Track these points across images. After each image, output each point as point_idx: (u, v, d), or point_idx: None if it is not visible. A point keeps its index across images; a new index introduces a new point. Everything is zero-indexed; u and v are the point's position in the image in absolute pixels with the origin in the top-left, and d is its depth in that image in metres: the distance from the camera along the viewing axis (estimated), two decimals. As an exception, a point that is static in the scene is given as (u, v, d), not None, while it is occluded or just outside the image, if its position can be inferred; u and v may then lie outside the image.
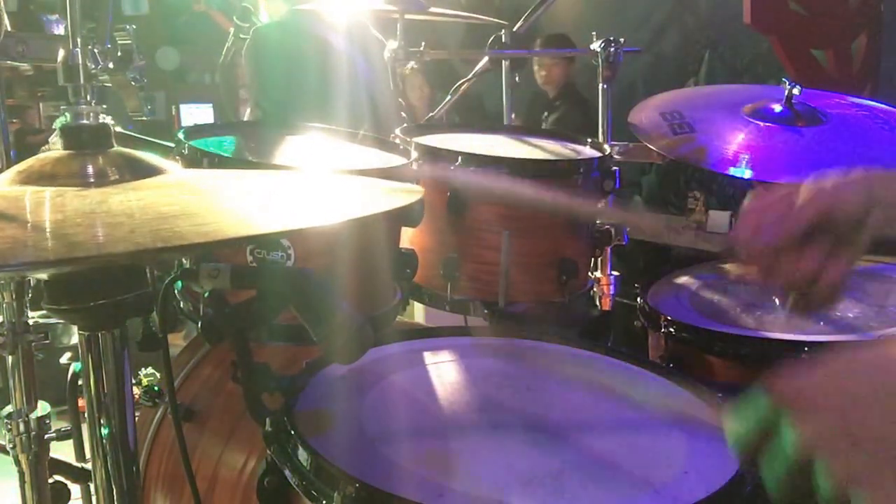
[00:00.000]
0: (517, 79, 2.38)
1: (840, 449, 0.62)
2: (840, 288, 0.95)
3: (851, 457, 0.62)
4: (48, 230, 0.69)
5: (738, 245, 0.97)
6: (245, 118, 2.57)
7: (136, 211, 0.74)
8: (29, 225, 0.70)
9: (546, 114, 4.32)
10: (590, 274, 1.76)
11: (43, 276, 0.81)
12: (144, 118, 1.31)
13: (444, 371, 1.16)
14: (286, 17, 2.62)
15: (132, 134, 1.66)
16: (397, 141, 1.55)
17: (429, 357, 1.20)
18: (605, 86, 2.01)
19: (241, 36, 2.59)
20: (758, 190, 1.00)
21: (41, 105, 5.40)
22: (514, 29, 2.27)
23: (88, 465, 1.32)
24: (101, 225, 0.71)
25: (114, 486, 0.89)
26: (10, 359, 1.47)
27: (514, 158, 1.58)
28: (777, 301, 0.99)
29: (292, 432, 0.91)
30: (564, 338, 1.30)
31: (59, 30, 4.76)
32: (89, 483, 1.70)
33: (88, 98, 0.85)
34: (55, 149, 0.86)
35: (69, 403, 1.73)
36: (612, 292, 1.91)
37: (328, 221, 0.78)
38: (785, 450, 0.64)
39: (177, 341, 2.26)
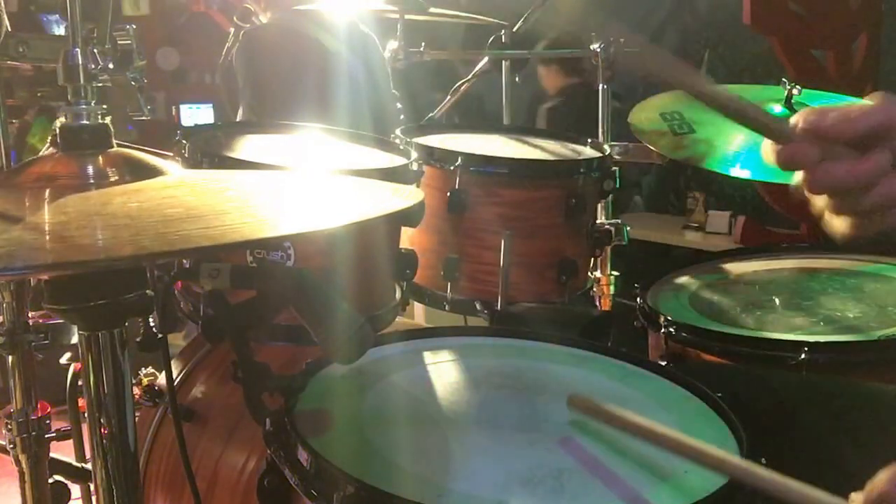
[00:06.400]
0: (517, 79, 2.38)
1: None
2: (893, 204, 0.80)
3: None
4: (50, 233, 0.69)
5: (791, 136, 0.80)
6: (238, 119, 2.54)
7: (139, 213, 0.74)
8: (31, 228, 0.70)
9: (541, 105, 4.21)
10: (590, 274, 1.76)
11: (44, 276, 0.81)
12: (145, 117, 1.31)
13: (444, 371, 1.16)
14: (281, 18, 2.60)
15: (130, 146, 1.66)
16: (397, 141, 1.55)
17: (429, 357, 1.20)
18: (605, 86, 2.01)
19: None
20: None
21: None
22: (514, 29, 2.27)
23: (88, 465, 1.32)
24: (103, 228, 0.70)
25: (114, 486, 0.88)
26: (10, 359, 1.47)
27: (513, 159, 1.58)
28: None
29: (292, 432, 0.91)
30: (564, 338, 1.30)
31: (60, 30, 4.76)
32: (89, 483, 1.71)
33: (88, 98, 0.85)
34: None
35: (69, 403, 1.74)
36: (612, 292, 1.91)
37: (334, 224, 0.77)
38: None
39: (177, 341, 2.25)
